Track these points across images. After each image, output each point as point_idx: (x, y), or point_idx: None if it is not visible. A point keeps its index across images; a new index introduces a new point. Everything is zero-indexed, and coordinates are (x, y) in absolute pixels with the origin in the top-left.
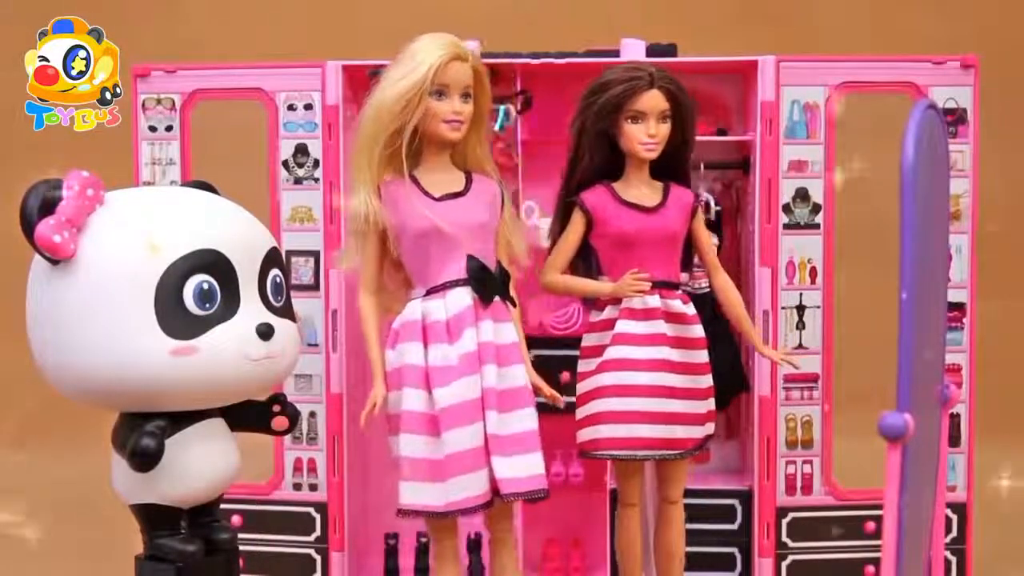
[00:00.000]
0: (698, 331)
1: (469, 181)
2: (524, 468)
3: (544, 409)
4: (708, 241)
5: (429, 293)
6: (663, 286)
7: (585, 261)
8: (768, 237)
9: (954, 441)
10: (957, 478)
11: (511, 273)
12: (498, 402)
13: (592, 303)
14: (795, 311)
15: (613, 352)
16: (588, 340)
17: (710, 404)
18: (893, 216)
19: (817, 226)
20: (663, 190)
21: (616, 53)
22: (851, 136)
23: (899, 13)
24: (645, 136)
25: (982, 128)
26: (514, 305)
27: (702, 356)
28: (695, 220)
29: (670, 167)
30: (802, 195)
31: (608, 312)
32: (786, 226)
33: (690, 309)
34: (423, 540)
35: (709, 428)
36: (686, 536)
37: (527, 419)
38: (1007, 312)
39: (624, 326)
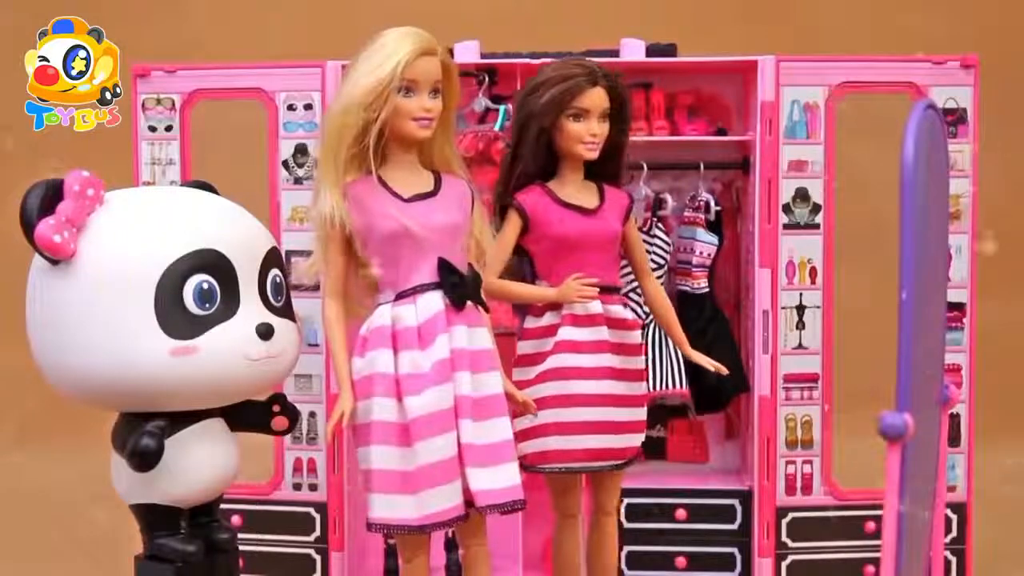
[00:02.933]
0: (636, 337)
1: (438, 181)
2: (500, 479)
3: None
4: (640, 244)
5: (399, 298)
6: (603, 291)
7: (519, 264)
8: (768, 237)
9: (954, 441)
10: (957, 478)
11: (481, 276)
12: (473, 411)
13: (526, 308)
14: (795, 311)
15: (556, 360)
16: (525, 347)
17: (644, 412)
18: (893, 216)
19: (817, 226)
20: (598, 191)
21: (616, 53)
22: (851, 136)
23: (899, 13)
24: (587, 135)
25: (982, 128)
26: (486, 310)
27: (640, 362)
28: (628, 222)
29: (604, 167)
30: (802, 195)
31: (548, 318)
32: (786, 226)
33: (629, 314)
34: None
35: (643, 436)
36: (686, 536)
37: (503, 428)
38: (1007, 312)
39: (567, 333)
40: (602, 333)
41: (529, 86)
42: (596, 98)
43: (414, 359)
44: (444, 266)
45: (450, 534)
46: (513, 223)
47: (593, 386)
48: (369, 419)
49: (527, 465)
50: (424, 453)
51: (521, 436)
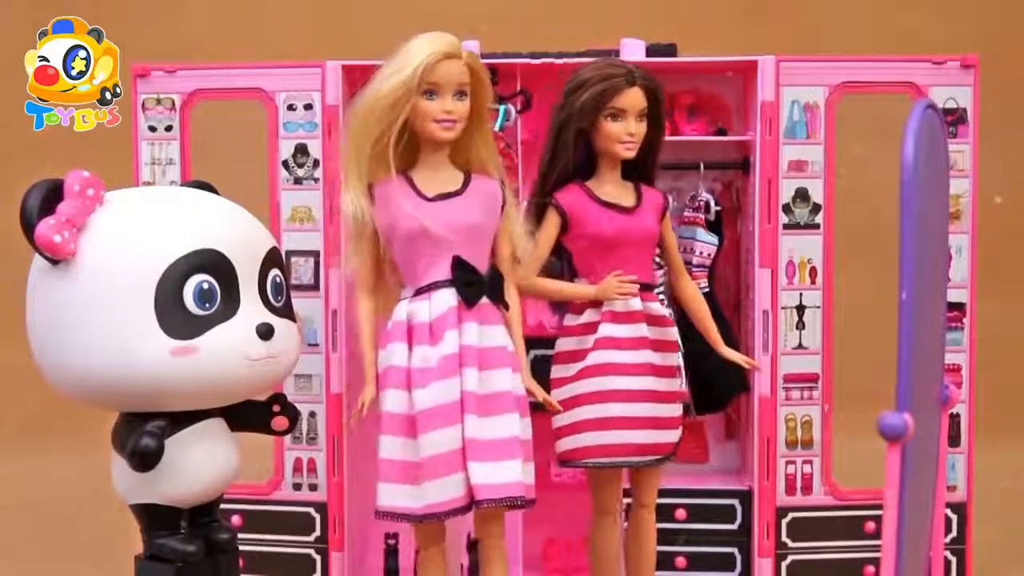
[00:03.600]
0: (674, 333)
1: (468, 181)
2: (500, 474)
3: (537, 408)
4: (675, 243)
5: (417, 294)
6: (641, 288)
7: (558, 263)
8: (768, 237)
9: (954, 441)
10: (957, 478)
11: (508, 274)
12: (477, 406)
13: (565, 307)
14: (795, 311)
15: (596, 357)
16: (565, 345)
17: (680, 408)
18: (893, 216)
19: (817, 226)
20: (635, 190)
21: (616, 53)
22: (851, 136)
23: (899, 13)
24: (625, 135)
25: (982, 128)
26: (507, 308)
27: (676, 359)
28: (664, 221)
29: (639, 167)
30: (802, 195)
31: (588, 316)
32: (786, 226)
33: (666, 311)
34: None
35: (679, 432)
36: (687, 536)
37: (509, 424)
38: (1007, 312)
39: (608, 330)
40: (641, 330)
41: (567, 87)
42: (634, 98)
43: (424, 353)
44: (458, 264)
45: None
46: (552, 222)
47: (633, 382)
48: (383, 410)
49: (565, 460)
50: (428, 445)
51: (558, 432)
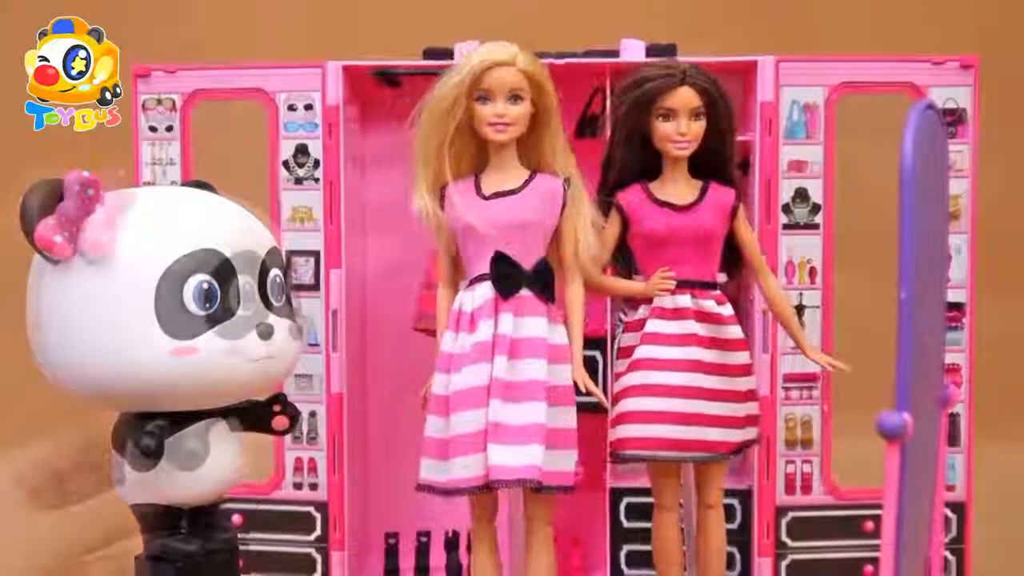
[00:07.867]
0: (735, 332)
1: (530, 179)
2: (517, 457)
3: (589, 408)
4: (751, 241)
5: (468, 285)
6: (697, 286)
7: (623, 261)
8: (768, 237)
9: (954, 441)
10: (957, 478)
11: (569, 270)
12: (503, 392)
13: (628, 303)
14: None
15: (642, 352)
16: (624, 340)
17: (750, 408)
18: (893, 216)
19: (817, 226)
20: (701, 188)
21: (616, 53)
22: (851, 136)
23: (899, 13)
24: (676, 134)
25: (982, 128)
26: (553, 301)
27: (740, 357)
28: (736, 220)
29: (709, 165)
30: (801, 195)
31: (641, 312)
32: (785, 226)
33: (726, 310)
34: (423, 539)
35: (750, 432)
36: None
37: (534, 412)
38: (1007, 312)
39: (654, 325)
40: (690, 327)
41: (620, 89)
42: (682, 97)
43: (463, 340)
44: (497, 259)
45: (450, 534)
46: (613, 221)
47: (676, 377)
48: (430, 392)
49: (612, 453)
50: (456, 424)
51: (610, 425)
